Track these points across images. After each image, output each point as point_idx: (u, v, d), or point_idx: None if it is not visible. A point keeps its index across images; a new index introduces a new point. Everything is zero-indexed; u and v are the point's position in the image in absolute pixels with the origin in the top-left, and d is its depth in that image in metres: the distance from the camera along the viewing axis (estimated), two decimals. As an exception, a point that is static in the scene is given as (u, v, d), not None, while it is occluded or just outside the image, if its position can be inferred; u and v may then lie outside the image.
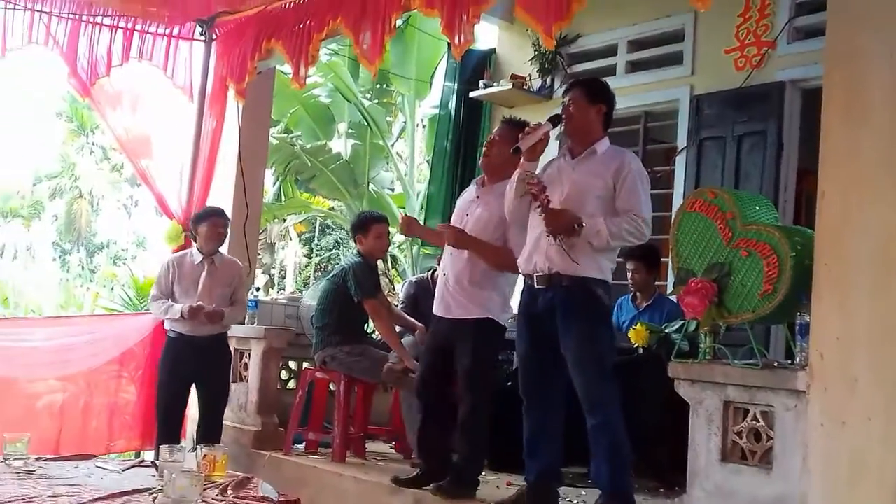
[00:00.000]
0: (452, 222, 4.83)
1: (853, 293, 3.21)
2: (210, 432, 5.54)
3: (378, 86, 11.89)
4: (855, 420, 3.13)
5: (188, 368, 5.66)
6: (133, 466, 3.77)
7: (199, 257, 5.77)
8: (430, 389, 4.79)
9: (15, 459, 3.54)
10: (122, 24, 6.32)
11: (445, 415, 4.73)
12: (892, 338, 3.09)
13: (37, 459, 3.66)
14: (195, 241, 5.89)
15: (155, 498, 3.05)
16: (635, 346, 5.15)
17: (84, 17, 6.22)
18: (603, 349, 4.13)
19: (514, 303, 4.65)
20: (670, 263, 4.05)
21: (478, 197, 4.75)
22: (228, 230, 5.89)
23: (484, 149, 4.84)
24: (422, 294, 6.32)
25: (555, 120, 4.19)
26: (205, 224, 5.76)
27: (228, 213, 6.47)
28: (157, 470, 3.54)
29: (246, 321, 6.19)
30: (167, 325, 5.77)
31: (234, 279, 5.84)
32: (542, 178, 4.14)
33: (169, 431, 5.54)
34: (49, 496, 3.01)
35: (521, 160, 4.14)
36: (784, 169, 6.12)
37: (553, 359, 4.16)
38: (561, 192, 4.10)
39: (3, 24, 5.99)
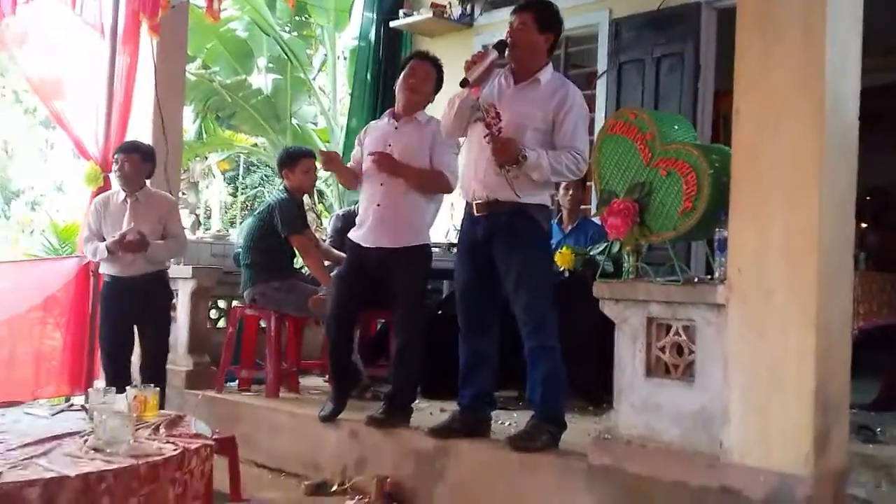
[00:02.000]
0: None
1: (768, 208, 3.27)
2: (153, 374, 5.25)
3: (296, 18, 11.65)
4: (772, 331, 3.21)
5: (126, 310, 5.45)
6: (62, 411, 3.71)
7: (122, 195, 5.52)
8: (345, 317, 4.82)
9: (-61, 409, 3.48)
10: (27, -43, 6.05)
11: (351, 340, 4.95)
12: (805, 251, 3.16)
13: (-38, 408, 3.60)
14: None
15: (86, 440, 3.01)
16: (561, 269, 5.22)
17: (-15, -49, 5.94)
18: (544, 271, 4.22)
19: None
20: (593, 186, 4.08)
21: (396, 129, 4.73)
22: (131, 164, 5.45)
23: (411, 84, 4.74)
24: (349, 227, 6.30)
25: (500, 46, 4.08)
26: (114, 161, 5.53)
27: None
28: (87, 413, 3.50)
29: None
30: (102, 269, 5.59)
31: (162, 213, 5.53)
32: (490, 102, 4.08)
33: (115, 375, 5.34)
34: (-24, 444, 2.95)
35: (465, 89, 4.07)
36: (702, 89, 6.22)
37: (492, 286, 4.21)
38: None
39: None
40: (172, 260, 5.89)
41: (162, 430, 3.23)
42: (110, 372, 5.48)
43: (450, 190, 4.70)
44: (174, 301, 5.97)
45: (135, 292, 5.43)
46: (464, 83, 4.02)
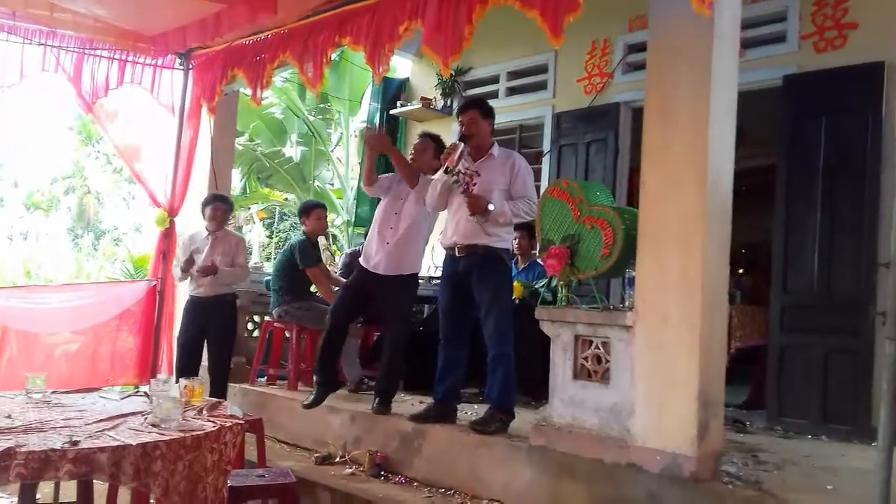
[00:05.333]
0: (389, 204, 4.82)
1: (665, 255, 3.30)
2: (216, 371, 5.43)
3: (320, 105, 11.72)
4: (667, 346, 3.23)
5: (197, 323, 5.51)
6: (129, 396, 3.64)
7: (205, 233, 5.63)
8: (341, 316, 4.76)
9: (35, 393, 3.41)
10: (117, 55, 6.04)
11: (342, 341, 4.83)
12: (692, 288, 3.20)
13: (52, 392, 3.52)
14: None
15: (146, 418, 2.97)
16: (514, 297, 5.22)
17: (86, 51, 5.93)
18: (507, 298, 4.26)
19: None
20: (537, 235, 4.11)
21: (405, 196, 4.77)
22: (221, 211, 5.61)
23: (413, 157, 4.82)
24: (355, 262, 6.30)
25: (464, 139, 4.20)
26: (208, 208, 5.62)
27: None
28: (148, 397, 3.44)
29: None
30: (189, 291, 5.62)
31: (232, 247, 5.61)
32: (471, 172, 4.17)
33: (184, 366, 5.40)
34: (62, 419, 2.89)
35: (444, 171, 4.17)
36: (620, 166, 6.25)
37: (466, 308, 4.24)
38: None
39: (21, 56, 5.68)
40: (239, 285, 5.84)
41: (205, 411, 3.18)
42: (181, 362, 5.51)
43: (413, 183, 4.65)
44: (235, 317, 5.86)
45: (203, 309, 5.50)
46: (447, 171, 4.13)
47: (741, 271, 6.93)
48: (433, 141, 4.86)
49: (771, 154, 5.45)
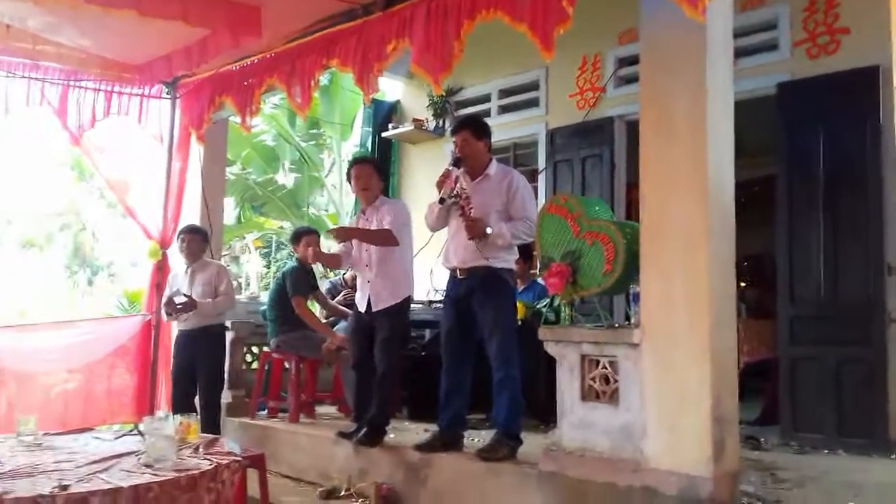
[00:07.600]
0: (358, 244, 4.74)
1: (670, 269, 3.22)
2: (206, 407, 5.26)
3: (311, 130, 11.68)
4: (677, 363, 3.14)
5: (185, 355, 5.38)
6: (123, 435, 3.55)
7: (185, 266, 5.50)
8: (359, 362, 4.65)
9: (26, 435, 3.31)
10: (102, 86, 5.97)
11: (371, 381, 4.60)
12: (699, 302, 3.11)
13: (44, 434, 3.43)
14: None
15: (139, 458, 2.87)
16: (517, 318, 5.12)
17: (71, 83, 5.87)
18: (511, 318, 4.14)
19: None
20: (537, 254, 4.03)
21: (364, 214, 4.71)
22: (195, 243, 5.45)
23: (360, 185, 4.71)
24: (334, 290, 6.54)
25: (457, 163, 4.11)
26: (176, 241, 5.51)
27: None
28: (142, 436, 3.34)
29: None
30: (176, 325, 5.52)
31: (212, 276, 5.42)
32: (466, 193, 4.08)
33: (180, 403, 5.29)
34: (52, 462, 2.81)
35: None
36: (616, 182, 6.20)
37: (469, 331, 4.13)
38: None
39: (6, 90, 5.62)
40: (227, 314, 5.63)
41: (201, 449, 3.09)
42: (176, 400, 5.38)
43: (395, 242, 4.51)
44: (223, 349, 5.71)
45: (191, 341, 5.37)
46: (441, 201, 4.06)
47: (744, 284, 6.84)
48: (369, 163, 4.87)
49: (768, 164, 5.39)
